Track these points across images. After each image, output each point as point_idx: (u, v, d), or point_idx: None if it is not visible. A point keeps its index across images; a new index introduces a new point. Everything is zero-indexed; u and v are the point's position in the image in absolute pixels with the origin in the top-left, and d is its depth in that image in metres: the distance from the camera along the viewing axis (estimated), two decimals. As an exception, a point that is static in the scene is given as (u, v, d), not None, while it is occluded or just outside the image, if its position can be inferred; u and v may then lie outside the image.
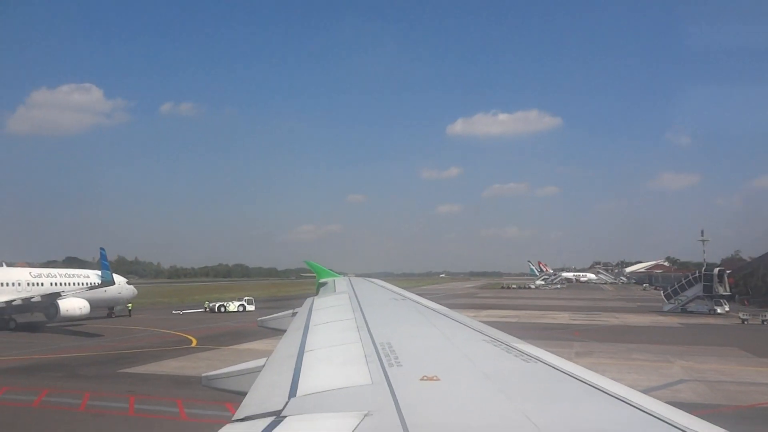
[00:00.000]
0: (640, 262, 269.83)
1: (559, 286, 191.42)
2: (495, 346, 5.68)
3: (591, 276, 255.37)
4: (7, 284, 58.75)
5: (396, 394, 3.74)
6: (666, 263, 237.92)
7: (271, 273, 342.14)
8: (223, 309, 78.55)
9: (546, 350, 5.44)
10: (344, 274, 22.47)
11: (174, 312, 78.25)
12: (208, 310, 78.51)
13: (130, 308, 73.67)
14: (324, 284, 16.91)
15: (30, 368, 35.08)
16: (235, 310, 78.79)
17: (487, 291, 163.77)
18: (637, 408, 3.49)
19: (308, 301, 11.82)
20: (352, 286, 14.83)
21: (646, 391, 4.13)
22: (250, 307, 79.41)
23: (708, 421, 3.27)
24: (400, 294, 12.98)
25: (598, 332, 55.57)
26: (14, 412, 25.05)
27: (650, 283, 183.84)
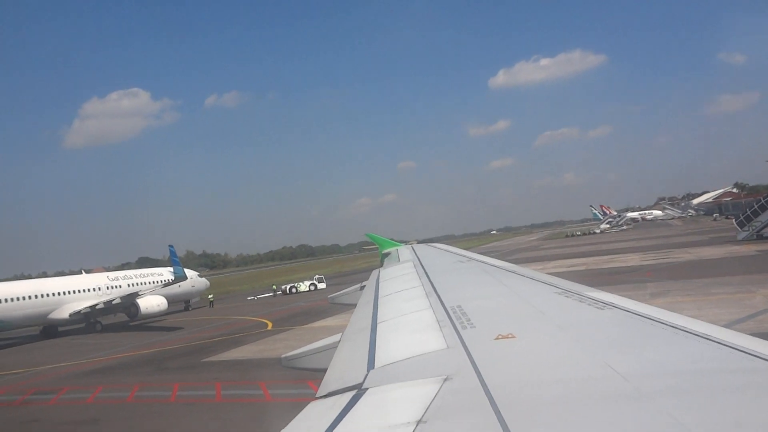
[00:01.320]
0: (707, 192, 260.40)
1: (624, 227, 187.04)
2: (567, 297, 5.62)
3: (657, 213, 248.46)
4: (89, 290, 61.50)
5: (473, 355, 3.75)
6: (735, 190, 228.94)
7: (334, 250, 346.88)
8: (294, 290, 79.15)
9: (620, 296, 5.35)
10: (406, 243, 22.54)
11: (249, 298, 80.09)
12: (277, 293, 79.42)
13: (211, 299, 75.21)
14: (388, 254, 17.02)
15: (120, 366, 36.74)
16: (306, 289, 78.86)
17: (552, 242, 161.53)
18: (719, 343, 3.40)
19: (374, 273, 11.93)
20: (415, 253, 14.88)
21: (729, 325, 4.02)
22: (322, 285, 78.77)
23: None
24: (464, 255, 12.95)
25: (672, 270, 54.16)
26: (111, 409, 26.36)
27: (721, 213, 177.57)
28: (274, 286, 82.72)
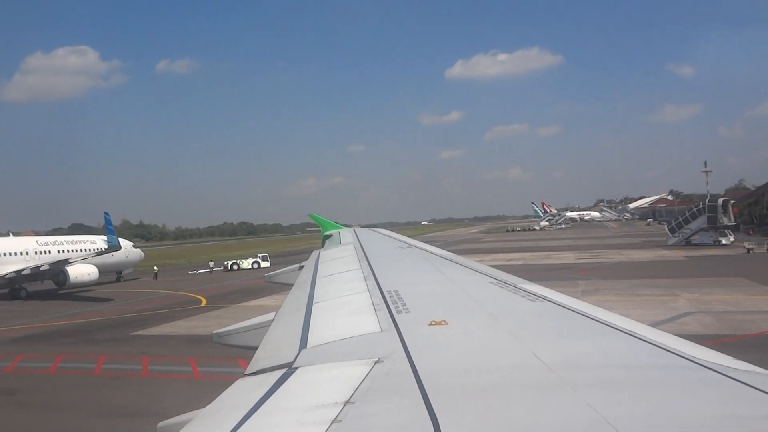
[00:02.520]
0: (644, 197, 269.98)
1: (563, 226, 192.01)
2: (502, 288, 5.71)
3: (595, 214, 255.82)
4: (16, 254, 59.16)
5: (405, 340, 3.77)
6: (670, 197, 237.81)
7: (276, 229, 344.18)
8: (236, 267, 77.95)
9: (552, 290, 5.47)
10: (349, 226, 22.51)
11: (190, 272, 78.55)
12: (215, 269, 78.15)
13: (156, 271, 73.41)
14: (329, 236, 16.96)
15: (44, 335, 35.60)
16: (249, 267, 77.63)
17: (492, 235, 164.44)
18: (643, 340, 3.51)
19: (314, 254, 11.87)
20: (357, 236, 14.87)
21: (653, 326, 4.15)
22: (265, 264, 76.74)
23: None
24: (405, 242, 13.01)
25: (604, 270, 55.96)
26: (32, 379, 25.54)
27: (654, 218, 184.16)
28: (211, 262, 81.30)
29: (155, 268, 74.57)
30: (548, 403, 2.60)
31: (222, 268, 78.38)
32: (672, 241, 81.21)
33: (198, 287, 57.94)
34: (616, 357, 3.30)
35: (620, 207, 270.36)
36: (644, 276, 48.48)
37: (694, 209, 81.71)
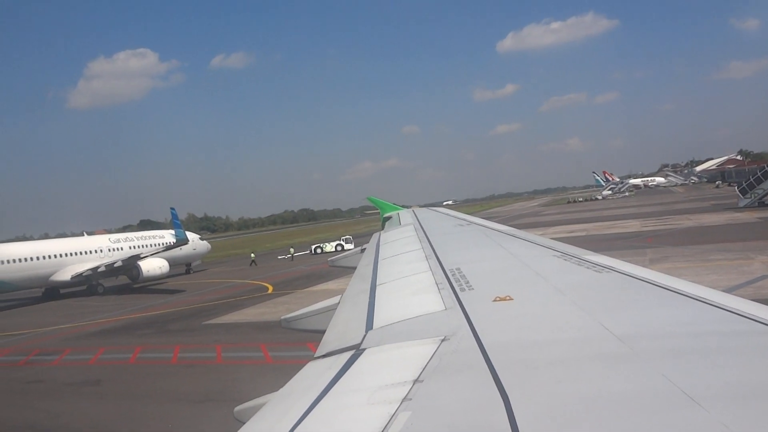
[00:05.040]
0: (711, 159, 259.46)
1: (627, 194, 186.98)
2: (566, 260, 5.63)
3: (660, 180, 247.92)
4: (91, 252, 61.76)
5: (470, 317, 3.77)
6: (739, 157, 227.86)
7: (336, 214, 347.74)
8: (320, 250, 79.06)
9: (619, 260, 5.36)
10: (407, 207, 22.54)
11: (279, 257, 79.92)
12: (293, 256, 78.60)
13: (253, 258, 74.92)
14: (389, 218, 17.04)
15: (122, 328, 37.09)
16: (333, 249, 77.98)
17: (553, 208, 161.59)
18: (717, 307, 3.42)
19: (375, 236, 11.97)
20: (416, 217, 14.91)
21: (728, 291, 4.02)
22: (349, 246, 75.10)
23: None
24: (464, 220, 12.97)
25: (672, 236, 54.27)
26: (114, 370, 26.70)
27: (723, 180, 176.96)
28: (292, 249, 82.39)
29: (252, 255, 76.33)
30: (620, 375, 2.56)
31: (308, 252, 79.55)
32: (743, 202, 77.83)
33: (264, 275, 59.13)
34: (688, 325, 3.22)
35: (686, 171, 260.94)
36: (715, 240, 46.75)
37: (766, 168, 78.11)
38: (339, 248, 77.51)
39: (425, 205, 36.40)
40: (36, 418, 20.64)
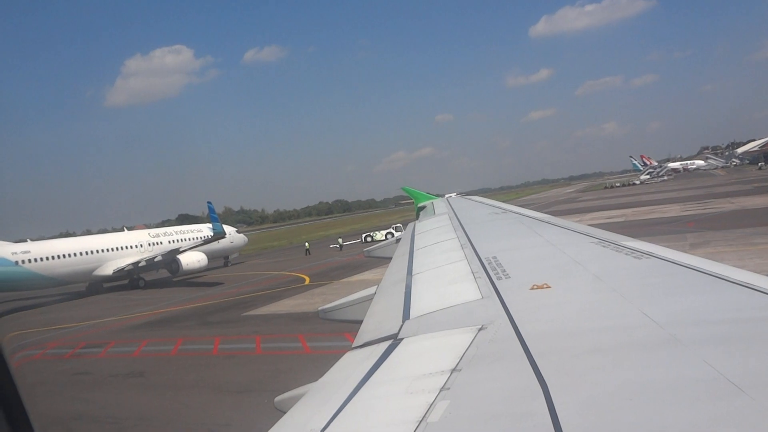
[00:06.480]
0: (753, 140, 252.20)
1: (665, 178, 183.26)
2: (604, 247, 5.56)
3: (700, 162, 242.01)
4: (131, 247, 63.00)
5: (507, 305, 3.76)
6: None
7: (370, 204, 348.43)
8: (370, 239, 79.64)
9: (658, 245, 5.27)
10: (441, 196, 22.47)
11: (331, 246, 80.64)
12: (342, 246, 78.91)
13: (307, 247, 76.13)
14: (423, 208, 17.02)
15: (164, 320, 37.82)
16: (383, 238, 77.73)
17: (590, 193, 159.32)
18: (761, 291, 3.34)
19: (410, 226, 11.97)
20: (450, 205, 14.86)
21: (772, 275, 3.90)
22: (399, 234, 75.69)
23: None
24: (499, 207, 12.87)
25: (714, 220, 53.04)
26: (156, 362, 27.26)
27: (766, 162, 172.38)
28: (340, 239, 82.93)
29: (306, 244, 77.47)
30: (661, 362, 2.53)
31: (359, 240, 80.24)
32: (788, 184, 75.70)
33: (301, 266, 59.62)
34: (731, 311, 3.15)
35: (727, 153, 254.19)
36: (759, 224, 45.51)
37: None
38: (389, 236, 77.18)
39: (459, 194, 36.26)
40: (83, 408, 21.22)
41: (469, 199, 18.63)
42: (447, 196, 24.61)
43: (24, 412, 2.18)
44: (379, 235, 79.06)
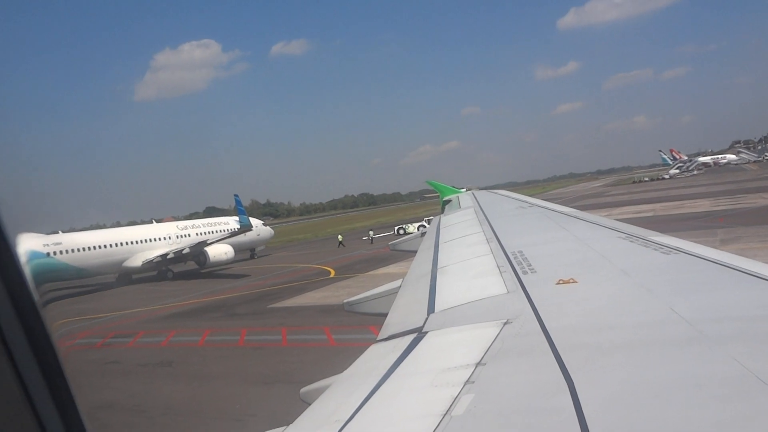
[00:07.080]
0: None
1: (695, 172, 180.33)
2: (631, 242, 5.51)
3: (731, 157, 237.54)
4: (160, 239, 63.82)
5: (533, 300, 3.74)
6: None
7: (395, 198, 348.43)
8: (402, 231, 79.28)
9: (687, 240, 5.20)
10: (467, 190, 22.38)
11: (364, 238, 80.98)
12: (372, 239, 78.91)
13: (341, 239, 76.41)
14: (449, 201, 16.98)
15: (191, 312, 38.28)
16: (416, 230, 78.51)
17: (618, 188, 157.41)
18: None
19: (435, 219, 11.96)
20: (476, 199, 14.80)
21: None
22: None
23: None
24: (526, 202, 12.79)
25: (745, 216, 52.06)
26: (184, 352, 27.62)
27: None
28: (371, 231, 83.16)
29: (340, 237, 77.92)
30: (689, 359, 2.50)
31: (391, 233, 79.99)
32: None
33: (326, 259, 59.89)
34: (761, 308, 3.11)
35: (760, 147, 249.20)
36: (792, 220, 44.59)
37: None
38: (422, 229, 77.20)
39: (485, 188, 36.11)
40: (113, 397, 21.58)
41: (495, 193, 18.53)
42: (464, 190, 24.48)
43: (71, 396, 2.27)
44: (412, 228, 78.89)
